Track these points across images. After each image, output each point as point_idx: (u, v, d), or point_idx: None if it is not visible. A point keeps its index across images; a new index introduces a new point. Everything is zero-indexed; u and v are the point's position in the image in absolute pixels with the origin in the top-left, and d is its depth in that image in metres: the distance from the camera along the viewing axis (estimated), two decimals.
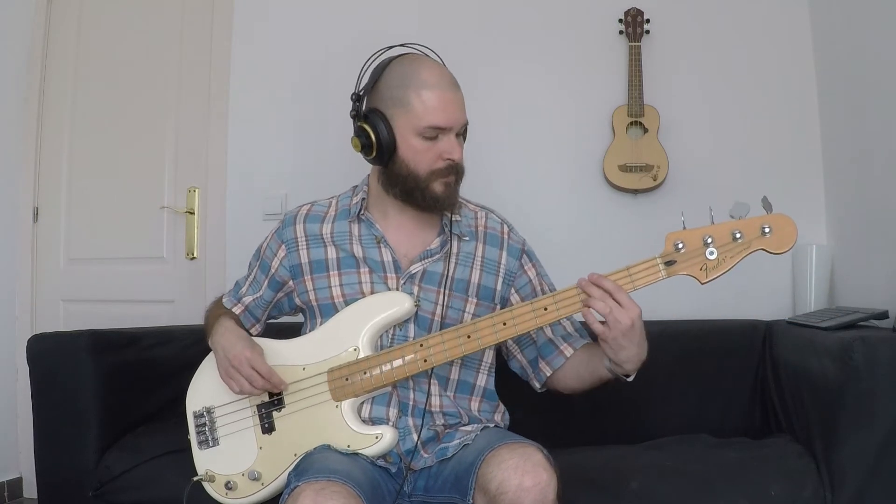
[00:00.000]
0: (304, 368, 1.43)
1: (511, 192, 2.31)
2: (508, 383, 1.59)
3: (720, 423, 1.91)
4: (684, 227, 1.29)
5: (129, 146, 2.79)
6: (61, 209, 2.88)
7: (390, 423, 1.40)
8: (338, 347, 1.42)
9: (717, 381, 1.95)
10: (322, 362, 1.42)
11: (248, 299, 1.59)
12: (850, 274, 2.07)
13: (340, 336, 1.43)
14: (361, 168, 1.52)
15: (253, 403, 1.45)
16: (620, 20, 2.33)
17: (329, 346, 1.43)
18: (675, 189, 2.28)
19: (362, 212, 1.51)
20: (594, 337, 1.33)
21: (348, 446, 1.36)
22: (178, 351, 1.99)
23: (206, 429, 1.49)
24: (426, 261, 1.47)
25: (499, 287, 1.52)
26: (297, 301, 1.55)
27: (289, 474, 1.34)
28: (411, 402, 1.42)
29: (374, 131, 1.41)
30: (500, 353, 1.59)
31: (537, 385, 1.55)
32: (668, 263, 1.28)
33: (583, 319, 1.33)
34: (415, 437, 1.39)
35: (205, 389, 1.52)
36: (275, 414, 1.43)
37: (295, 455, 1.39)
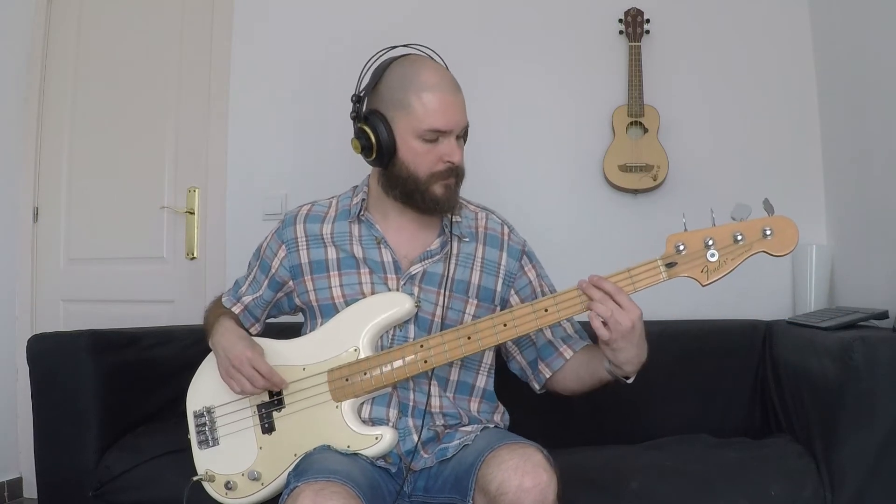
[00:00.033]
0: (304, 368, 1.43)
1: (511, 192, 2.31)
2: (508, 384, 1.59)
3: (720, 423, 1.91)
4: (685, 229, 1.29)
5: (129, 146, 2.79)
6: (61, 209, 2.88)
7: (390, 424, 1.40)
8: (338, 348, 1.42)
9: (717, 381, 1.96)
10: (322, 362, 1.42)
11: (247, 299, 1.59)
12: (850, 274, 2.07)
13: (341, 336, 1.43)
14: (361, 168, 1.52)
15: (253, 403, 1.45)
16: (620, 20, 2.33)
17: (329, 347, 1.43)
18: (675, 189, 2.28)
19: (362, 212, 1.51)
20: (594, 338, 1.33)
21: (348, 447, 1.36)
22: (178, 351, 1.99)
23: (206, 428, 1.49)
24: (426, 262, 1.47)
25: (499, 288, 1.52)
26: (297, 301, 1.55)
27: (288, 475, 1.34)
28: (411, 403, 1.42)
29: (374, 133, 1.41)
30: (500, 354, 1.59)
31: (536, 386, 1.55)
32: (669, 265, 1.28)
33: (582, 321, 1.33)
34: (415, 437, 1.39)
35: (205, 389, 1.52)
36: (275, 414, 1.43)
37: (295, 455, 1.39)
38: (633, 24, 2.30)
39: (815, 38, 2.26)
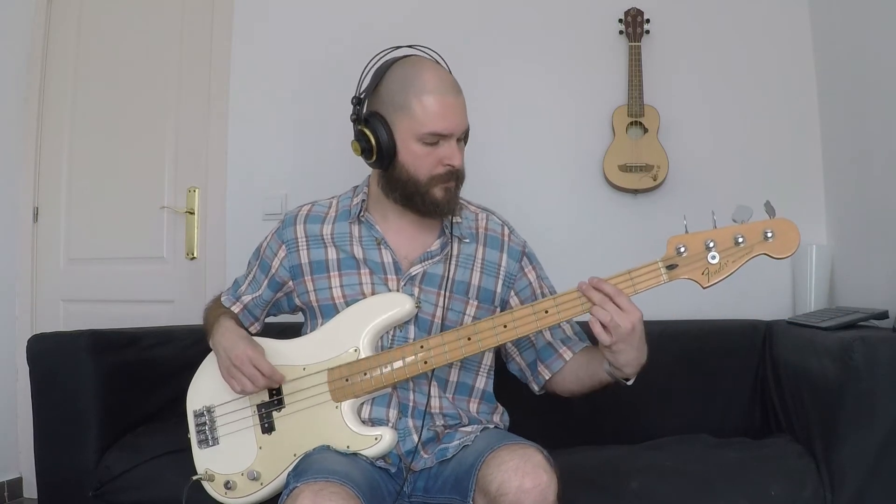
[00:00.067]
0: (304, 368, 1.43)
1: (511, 192, 2.31)
2: (508, 384, 1.59)
3: (720, 423, 1.91)
4: (686, 231, 1.29)
5: (129, 146, 2.79)
6: (61, 209, 2.88)
7: (390, 425, 1.40)
8: (338, 348, 1.42)
9: (717, 381, 1.95)
10: (322, 363, 1.42)
11: (246, 298, 1.59)
12: (850, 274, 2.07)
13: (341, 337, 1.43)
14: (362, 168, 1.52)
15: (253, 403, 1.45)
16: (620, 20, 2.33)
17: (329, 347, 1.43)
18: (675, 189, 2.28)
19: (362, 213, 1.51)
20: (594, 340, 1.33)
21: (348, 447, 1.36)
22: (178, 351, 1.99)
23: (206, 428, 1.49)
24: (426, 263, 1.47)
25: (499, 289, 1.52)
26: (297, 301, 1.55)
27: (288, 475, 1.34)
28: (411, 404, 1.42)
29: (374, 136, 1.40)
30: (499, 355, 1.59)
31: (536, 388, 1.55)
32: (670, 267, 1.28)
33: (581, 322, 1.33)
34: (415, 437, 1.39)
35: (205, 389, 1.52)
36: (275, 414, 1.43)
37: (294, 455, 1.39)
38: (633, 24, 2.30)
39: (815, 38, 2.26)
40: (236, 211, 2.62)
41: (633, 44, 2.30)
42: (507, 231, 1.57)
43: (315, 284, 1.49)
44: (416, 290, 1.45)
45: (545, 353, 1.52)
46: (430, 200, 1.42)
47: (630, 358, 1.28)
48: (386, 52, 1.47)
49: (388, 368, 1.37)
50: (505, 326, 1.34)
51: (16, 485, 2.75)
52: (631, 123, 2.28)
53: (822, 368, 1.50)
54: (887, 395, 1.37)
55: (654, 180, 2.25)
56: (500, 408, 1.56)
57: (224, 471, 1.45)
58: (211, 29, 2.70)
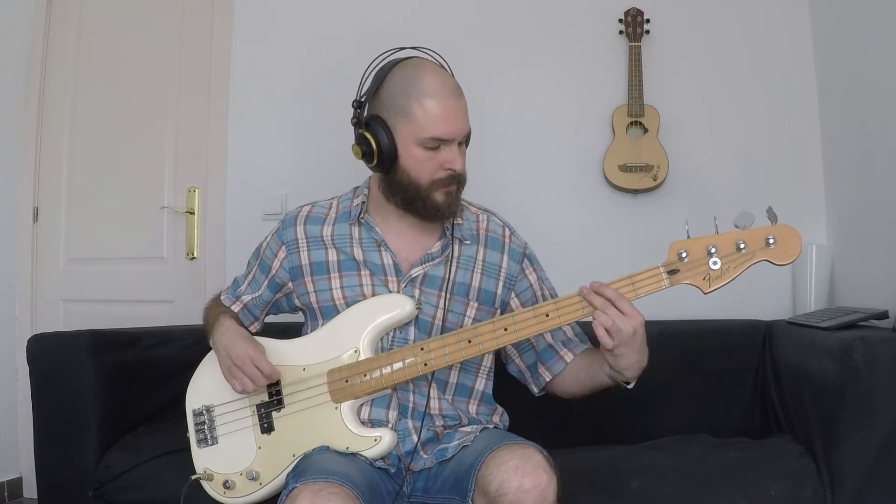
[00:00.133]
0: (304, 369, 1.43)
1: (511, 192, 2.31)
2: (508, 385, 1.59)
3: (720, 423, 1.91)
4: (688, 236, 1.29)
5: (129, 146, 2.79)
6: (61, 209, 2.88)
7: (390, 426, 1.40)
8: (338, 349, 1.42)
9: (717, 381, 1.95)
10: (322, 363, 1.42)
11: (246, 298, 1.59)
12: (850, 274, 2.07)
13: (341, 337, 1.43)
14: (362, 169, 1.52)
15: (252, 403, 1.45)
16: (620, 20, 2.33)
17: (329, 348, 1.43)
18: (675, 189, 2.28)
19: (362, 215, 1.50)
20: (594, 341, 1.33)
21: (347, 448, 1.36)
22: (178, 351, 1.98)
23: (206, 427, 1.49)
24: (427, 264, 1.47)
25: (499, 291, 1.52)
26: (297, 302, 1.55)
27: (287, 475, 1.34)
28: (411, 405, 1.42)
29: (375, 140, 1.40)
30: (499, 356, 1.59)
31: (535, 389, 1.55)
32: (672, 272, 1.28)
33: (581, 323, 1.33)
34: (414, 438, 1.39)
35: (205, 388, 1.52)
36: (274, 414, 1.43)
37: (294, 456, 1.39)
38: (633, 24, 2.30)
39: (815, 38, 2.26)
40: (236, 211, 2.62)
41: (633, 44, 2.30)
42: (507, 232, 1.56)
43: (315, 286, 1.49)
44: (417, 292, 1.45)
45: (546, 354, 1.52)
46: (431, 205, 1.41)
47: (631, 362, 1.28)
48: (388, 53, 1.46)
49: (388, 370, 1.37)
50: (505, 329, 1.34)
51: (16, 485, 2.75)
52: (631, 123, 2.28)
53: (822, 368, 1.50)
54: (887, 395, 1.37)
55: (654, 180, 2.25)
56: (500, 409, 1.56)
57: (223, 470, 1.45)
58: (211, 29, 2.70)
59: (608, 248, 2.31)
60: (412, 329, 1.44)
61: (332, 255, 1.50)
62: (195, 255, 2.67)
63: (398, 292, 1.44)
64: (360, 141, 1.42)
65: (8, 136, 2.86)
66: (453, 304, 1.46)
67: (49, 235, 2.89)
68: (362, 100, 1.44)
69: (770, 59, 2.29)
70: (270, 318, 1.65)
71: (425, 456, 1.38)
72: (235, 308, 1.60)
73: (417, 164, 1.39)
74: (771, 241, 1.25)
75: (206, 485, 1.46)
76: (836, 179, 2.18)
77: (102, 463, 1.72)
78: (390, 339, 1.44)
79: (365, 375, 1.38)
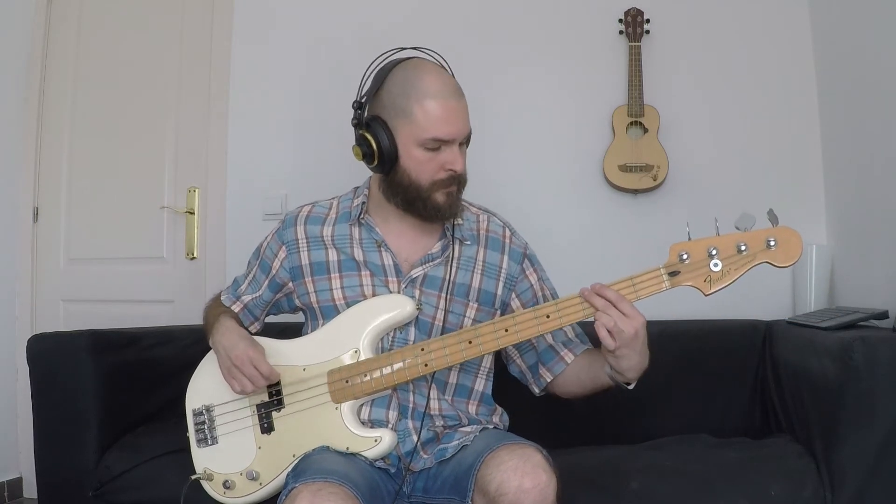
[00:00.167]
0: (304, 369, 1.43)
1: (511, 193, 2.31)
2: (508, 384, 1.59)
3: (720, 423, 1.91)
4: (689, 237, 1.29)
5: (129, 146, 2.79)
6: (61, 209, 2.88)
7: (390, 426, 1.40)
8: (339, 349, 1.42)
9: (717, 381, 1.95)
10: (322, 363, 1.42)
11: (246, 298, 1.59)
12: (850, 274, 2.07)
13: (341, 338, 1.43)
14: (362, 169, 1.52)
15: (252, 403, 1.45)
16: (620, 20, 2.33)
17: (330, 348, 1.43)
18: (675, 189, 2.28)
19: (362, 215, 1.50)
20: (595, 342, 1.33)
21: (347, 448, 1.36)
22: (178, 351, 1.98)
23: (205, 427, 1.49)
24: (427, 265, 1.46)
25: (499, 291, 1.52)
26: (298, 302, 1.55)
27: (287, 475, 1.34)
28: (411, 405, 1.42)
29: (375, 141, 1.39)
30: (500, 357, 1.59)
31: (536, 390, 1.54)
32: (672, 274, 1.28)
33: (582, 324, 1.33)
34: (414, 438, 1.39)
35: (204, 388, 1.52)
36: (274, 414, 1.43)
37: (294, 456, 1.38)
38: (633, 24, 2.30)
39: (815, 38, 2.26)
40: (236, 211, 2.62)
41: (633, 44, 2.30)
42: (508, 233, 1.56)
43: (315, 286, 1.49)
44: (417, 293, 1.45)
45: (546, 355, 1.51)
46: (431, 205, 1.41)
47: (633, 363, 1.28)
48: (389, 53, 1.46)
49: (389, 370, 1.37)
50: (506, 331, 1.34)
51: (16, 485, 2.75)
52: (631, 123, 2.28)
53: (822, 368, 1.50)
54: (887, 395, 1.37)
55: (654, 180, 2.25)
56: (500, 409, 1.56)
57: (223, 470, 1.45)
58: (211, 29, 2.70)
59: (608, 249, 2.31)
60: (412, 329, 1.44)
61: (333, 256, 1.49)
62: (195, 255, 2.67)
63: (398, 293, 1.44)
64: (361, 142, 1.42)
65: (8, 136, 2.86)
66: (453, 304, 1.46)
67: (49, 235, 2.89)
68: (362, 100, 1.44)
69: (770, 59, 2.29)
70: (270, 319, 1.65)
71: (425, 456, 1.38)
72: (236, 308, 1.60)
73: (418, 164, 1.39)
74: (772, 242, 1.25)
75: (206, 485, 1.46)
76: (836, 179, 2.18)
77: (102, 463, 1.72)
78: (390, 339, 1.44)
79: (365, 376, 1.38)
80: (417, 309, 1.42)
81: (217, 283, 2.49)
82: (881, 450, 1.38)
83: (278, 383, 1.43)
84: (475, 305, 1.48)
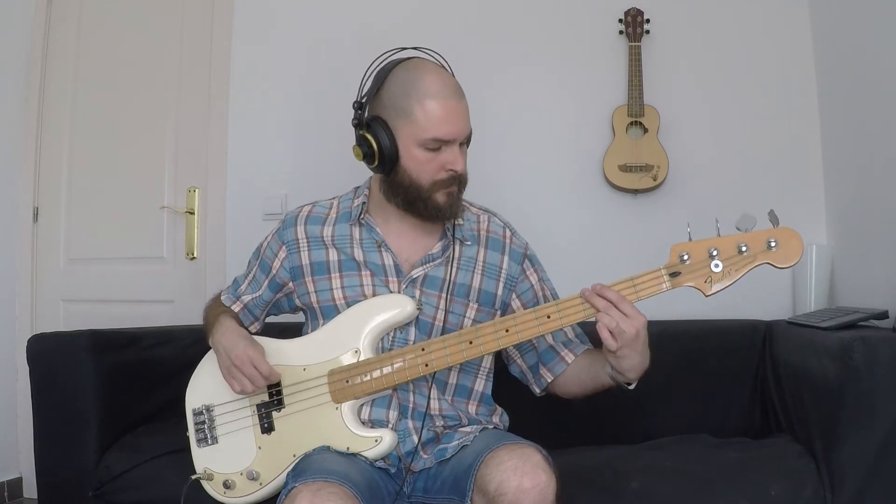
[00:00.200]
0: (304, 369, 1.43)
1: (511, 193, 2.31)
2: (507, 384, 1.59)
3: (720, 423, 1.91)
4: (690, 238, 1.29)
5: (129, 146, 2.80)
6: (61, 209, 2.88)
7: (390, 426, 1.40)
8: (339, 349, 1.42)
9: (717, 381, 1.95)
10: (323, 363, 1.42)
11: (246, 298, 1.59)
12: (850, 274, 2.07)
13: (342, 337, 1.42)
14: (362, 169, 1.52)
15: (252, 403, 1.45)
16: (620, 20, 2.33)
17: (330, 348, 1.43)
18: (675, 189, 2.28)
19: (363, 215, 1.50)
20: (595, 342, 1.33)
21: (347, 448, 1.36)
22: (178, 351, 1.98)
23: (206, 427, 1.49)
24: (428, 265, 1.46)
25: (500, 292, 1.52)
26: (298, 302, 1.55)
27: (287, 475, 1.34)
28: (411, 405, 1.42)
29: (376, 141, 1.39)
30: (500, 357, 1.59)
31: (537, 390, 1.54)
32: (673, 275, 1.28)
33: (583, 324, 1.33)
34: (415, 438, 1.39)
35: (204, 387, 1.51)
36: (274, 414, 1.43)
37: (294, 456, 1.38)
38: (633, 24, 2.30)
39: (815, 38, 2.26)
40: (236, 211, 2.62)
41: (633, 44, 2.30)
42: (508, 233, 1.56)
43: (316, 286, 1.49)
44: (417, 293, 1.45)
45: (547, 355, 1.51)
46: (432, 206, 1.41)
47: (634, 363, 1.28)
48: (390, 53, 1.46)
49: (389, 370, 1.37)
50: (507, 331, 1.34)
51: (16, 485, 2.75)
52: (631, 123, 2.28)
53: (822, 368, 1.50)
54: (887, 395, 1.37)
55: (654, 180, 2.25)
56: (500, 409, 1.56)
57: (223, 470, 1.45)
58: (211, 29, 2.70)
59: (608, 249, 2.31)
60: (412, 330, 1.44)
61: (333, 256, 1.49)
62: (195, 255, 2.67)
63: (399, 293, 1.44)
64: (361, 142, 1.42)
65: (8, 136, 2.86)
66: (454, 305, 1.46)
67: (49, 235, 2.89)
68: (363, 100, 1.44)
69: (770, 59, 2.29)
70: (271, 319, 1.65)
71: (425, 456, 1.37)
72: (236, 308, 1.60)
73: (418, 165, 1.39)
74: (772, 243, 1.25)
75: (206, 485, 1.46)
76: (836, 179, 2.18)
77: (102, 463, 1.72)
78: (390, 339, 1.44)
79: (366, 376, 1.38)
80: (418, 309, 1.42)
81: (217, 283, 2.49)
82: (881, 450, 1.38)
83: (278, 383, 1.43)
84: (475, 306, 1.48)
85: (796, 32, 2.28)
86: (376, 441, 1.35)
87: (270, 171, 2.59)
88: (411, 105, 1.36)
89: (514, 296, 1.53)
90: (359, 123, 1.43)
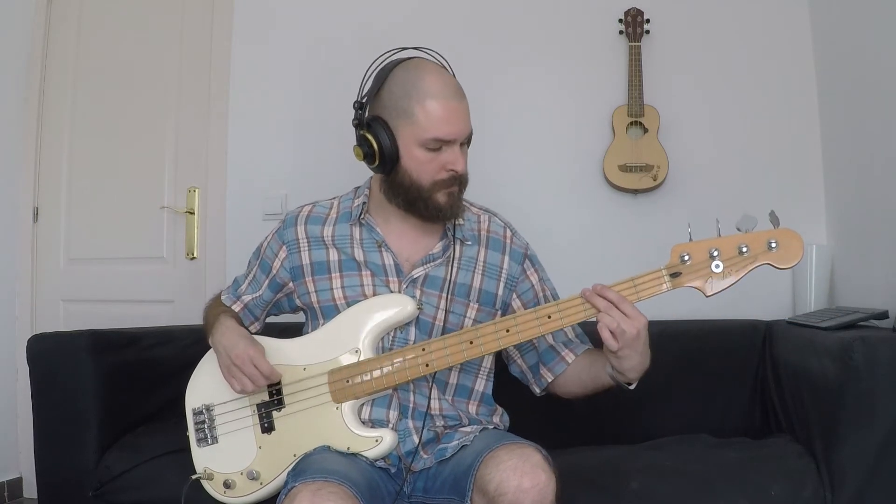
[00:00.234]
0: (304, 368, 1.43)
1: (511, 193, 2.31)
2: (507, 384, 1.59)
3: (720, 423, 1.91)
4: (690, 239, 1.29)
5: (129, 146, 2.79)
6: (61, 209, 2.88)
7: (390, 426, 1.40)
8: (339, 349, 1.42)
9: (717, 381, 1.95)
10: (323, 363, 1.42)
11: (247, 298, 1.59)
12: (850, 274, 2.07)
13: (342, 337, 1.42)
14: (362, 169, 1.52)
15: (252, 402, 1.45)
16: (620, 20, 2.33)
17: (330, 347, 1.43)
18: (675, 189, 2.28)
19: (363, 215, 1.50)
20: (596, 342, 1.33)
21: (348, 448, 1.36)
22: (178, 351, 1.98)
23: (206, 426, 1.49)
24: (428, 265, 1.46)
25: (500, 292, 1.52)
26: (298, 302, 1.55)
27: (287, 475, 1.34)
28: (411, 405, 1.42)
29: (376, 141, 1.39)
30: (500, 357, 1.59)
31: (537, 390, 1.54)
32: (674, 275, 1.28)
33: (583, 323, 1.33)
34: (415, 438, 1.39)
35: (204, 387, 1.51)
36: (274, 414, 1.43)
37: (294, 455, 1.39)
38: (633, 24, 2.30)
39: (815, 38, 2.26)
40: (236, 211, 2.62)
41: (633, 44, 2.30)
42: (509, 233, 1.56)
43: (316, 286, 1.49)
44: (418, 293, 1.45)
45: (547, 355, 1.51)
46: (433, 206, 1.41)
47: (634, 363, 1.28)
48: (390, 53, 1.46)
49: (390, 370, 1.37)
50: (507, 331, 1.34)
51: (16, 485, 2.75)
52: (631, 123, 2.28)
53: (822, 368, 1.50)
54: (887, 395, 1.37)
55: (654, 180, 2.25)
56: (500, 409, 1.56)
57: (223, 470, 1.45)
58: (211, 29, 2.70)
59: (608, 249, 2.31)
60: (413, 329, 1.44)
61: (333, 255, 1.49)
62: (195, 255, 2.67)
63: (399, 292, 1.44)
64: (362, 142, 1.42)
65: (8, 136, 2.86)
66: (454, 305, 1.46)
67: (49, 235, 2.88)
68: (363, 101, 1.44)
69: (770, 59, 2.29)
70: (271, 319, 1.65)
71: (425, 456, 1.37)
72: (236, 308, 1.60)
73: (419, 165, 1.39)
74: (773, 244, 1.26)
75: (206, 484, 1.46)
76: (836, 179, 2.18)
77: (102, 463, 1.72)
78: (391, 339, 1.44)
79: (366, 375, 1.38)
80: (418, 309, 1.42)
81: (217, 283, 2.49)
82: (881, 450, 1.38)
83: (278, 383, 1.43)
84: (476, 306, 1.48)
85: (796, 32, 2.28)
86: (377, 441, 1.35)
87: (270, 171, 2.59)
88: (412, 105, 1.36)
89: (514, 296, 1.53)
90: (359, 123, 1.43)
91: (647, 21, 2.31)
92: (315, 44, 2.57)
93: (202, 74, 2.70)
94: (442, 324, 1.44)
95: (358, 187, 1.57)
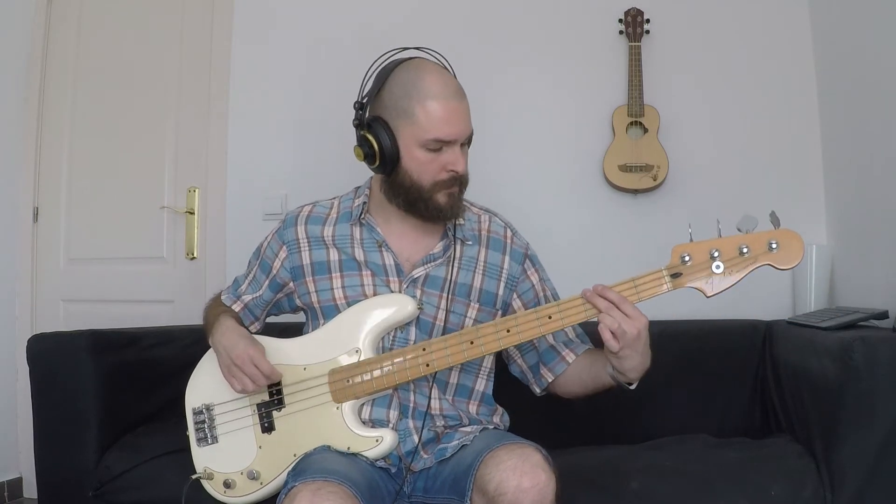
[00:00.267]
0: (305, 368, 1.43)
1: (511, 193, 2.31)
2: (508, 384, 1.59)
3: (720, 423, 1.91)
4: (691, 239, 1.29)
5: (129, 146, 2.80)
6: (61, 209, 2.88)
7: (391, 426, 1.40)
8: (340, 348, 1.42)
9: (717, 381, 1.95)
10: (323, 363, 1.42)
11: (247, 297, 1.59)
12: (850, 274, 2.07)
13: (342, 337, 1.42)
14: (362, 169, 1.51)
15: (253, 402, 1.45)
16: (620, 20, 2.33)
17: (331, 347, 1.43)
18: (675, 189, 2.28)
19: (363, 215, 1.50)
20: (596, 342, 1.32)
21: (348, 448, 1.36)
22: (178, 351, 1.98)
23: (206, 426, 1.49)
24: (429, 265, 1.46)
25: (501, 292, 1.52)
26: (299, 302, 1.55)
27: (287, 474, 1.34)
28: (412, 405, 1.42)
29: (377, 141, 1.39)
30: (500, 357, 1.59)
31: (537, 390, 1.54)
32: (674, 276, 1.28)
33: (583, 323, 1.33)
34: (415, 438, 1.39)
35: (204, 387, 1.51)
36: (274, 413, 1.43)
37: (294, 455, 1.39)
38: (633, 24, 2.30)
39: (815, 38, 2.26)
40: (236, 211, 2.62)
41: (633, 44, 2.30)
42: (509, 233, 1.56)
43: (316, 286, 1.49)
44: (418, 293, 1.45)
45: (548, 355, 1.51)
46: (433, 206, 1.41)
47: (635, 363, 1.29)
48: (391, 53, 1.46)
49: (390, 370, 1.37)
50: (508, 331, 1.34)
51: (16, 485, 2.75)
52: (631, 123, 2.28)
53: (822, 368, 1.50)
54: (887, 395, 1.37)
55: (654, 180, 2.25)
56: (500, 409, 1.56)
57: (223, 469, 1.45)
58: (211, 29, 2.70)
59: (608, 249, 2.31)
60: (413, 329, 1.44)
61: (333, 255, 1.49)
62: (195, 255, 2.67)
63: (400, 292, 1.44)
64: (362, 142, 1.42)
65: (8, 136, 2.86)
66: (455, 304, 1.46)
67: (49, 235, 2.88)
68: (364, 101, 1.44)
69: (770, 59, 2.29)
70: (271, 319, 1.65)
71: (425, 456, 1.38)
72: (236, 308, 1.60)
73: (420, 165, 1.39)
74: (774, 245, 1.26)
75: (206, 484, 1.46)
76: (836, 179, 2.18)
77: (102, 463, 1.72)
78: (391, 339, 1.44)
79: (366, 375, 1.38)
80: (419, 308, 1.42)
81: (217, 283, 2.49)
82: (881, 450, 1.38)
83: (279, 382, 1.43)
84: (476, 306, 1.48)
85: (796, 32, 2.28)
86: (377, 441, 1.36)
87: (270, 171, 2.59)
88: (412, 106, 1.36)
89: (514, 296, 1.53)
90: (360, 124, 1.43)
91: (647, 21, 2.31)
92: (315, 44, 2.57)
93: (202, 74, 2.70)
94: (442, 324, 1.44)
95: (358, 187, 1.57)
